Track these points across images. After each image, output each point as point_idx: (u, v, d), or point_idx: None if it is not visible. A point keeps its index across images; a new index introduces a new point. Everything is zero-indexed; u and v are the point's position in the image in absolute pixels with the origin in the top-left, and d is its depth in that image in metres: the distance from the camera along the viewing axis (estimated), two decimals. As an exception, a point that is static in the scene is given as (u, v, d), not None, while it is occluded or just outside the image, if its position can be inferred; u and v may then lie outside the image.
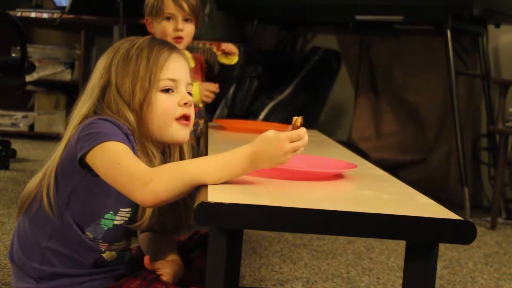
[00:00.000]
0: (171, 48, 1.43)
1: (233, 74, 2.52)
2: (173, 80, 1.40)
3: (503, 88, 3.22)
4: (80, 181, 1.34)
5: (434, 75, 3.74)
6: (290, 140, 1.21)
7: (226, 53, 2.41)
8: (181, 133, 1.40)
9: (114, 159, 1.27)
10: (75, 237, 1.36)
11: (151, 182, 1.21)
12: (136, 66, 1.38)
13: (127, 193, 1.25)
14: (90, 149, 1.28)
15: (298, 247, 2.54)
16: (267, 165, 1.22)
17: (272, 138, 1.21)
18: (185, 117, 1.40)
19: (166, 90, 1.39)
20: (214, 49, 2.45)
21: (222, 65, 2.47)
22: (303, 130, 1.24)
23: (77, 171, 1.33)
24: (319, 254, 2.47)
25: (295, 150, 1.23)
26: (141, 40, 1.42)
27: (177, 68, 1.41)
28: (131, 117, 1.37)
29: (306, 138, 1.24)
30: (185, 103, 1.40)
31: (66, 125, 1.42)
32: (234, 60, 2.45)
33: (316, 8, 3.65)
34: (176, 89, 1.41)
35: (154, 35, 2.37)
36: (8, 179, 3.26)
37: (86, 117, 1.38)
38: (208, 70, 2.49)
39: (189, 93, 1.44)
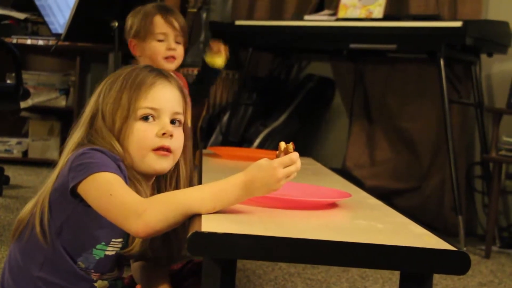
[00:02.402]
0: (158, 75, 1.41)
1: (211, 80, 2.49)
2: (153, 109, 1.37)
3: (496, 117, 3.23)
4: (72, 212, 1.33)
5: (427, 103, 3.76)
6: (283, 165, 1.22)
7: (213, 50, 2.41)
8: (158, 163, 1.38)
9: (107, 190, 1.26)
10: (67, 267, 1.35)
11: (144, 213, 1.20)
12: (119, 93, 1.38)
13: (120, 223, 1.25)
14: (82, 179, 1.28)
15: (292, 275, 2.53)
16: (261, 192, 1.22)
17: (265, 166, 1.21)
18: (164, 149, 1.37)
19: (146, 118, 1.37)
20: (211, 44, 2.46)
21: (204, 63, 2.45)
22: (295, 154, 1.24)
23: (69, 201, 1.32)
24: (313, 283, 2.45)
25: (288, 176, 1.22)
26: (130, 68, 1.41)
27: (161, 97, 1.39)
28: (117, 145, 1.36)
29: (298, 163, 1.24)
30: (163, 134, 1.37)
31: (60, 153, 1.42)
32: (218, 62, 2.43)
33: (310, 36, 3.67)
34: (158, 118, 1.38)
35: (139, 57, 2.35)
36: (0, 206, 3.24)
37: (79, 144, 1.38)
38: (191, 89, 2.49)
39: (175, 121, 1.41)
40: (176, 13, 2.33)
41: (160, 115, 1.38)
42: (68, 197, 1.31)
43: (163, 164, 1.39)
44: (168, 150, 1.38)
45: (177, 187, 1.47)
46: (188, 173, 1.48)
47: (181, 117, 1.42)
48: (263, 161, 1.22)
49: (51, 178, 1.38)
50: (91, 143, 1.37)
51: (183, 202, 1.21)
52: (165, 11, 2.30)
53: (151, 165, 1.38)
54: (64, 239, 1.34)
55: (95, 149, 1.33)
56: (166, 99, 1.39)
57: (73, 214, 1.33)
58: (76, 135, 1.40)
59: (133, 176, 1.37)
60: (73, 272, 1.35)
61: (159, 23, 2.27)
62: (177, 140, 1.40)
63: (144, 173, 1.40)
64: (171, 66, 2.28)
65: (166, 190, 1.45)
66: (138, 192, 1.33)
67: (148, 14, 2.28)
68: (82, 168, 1.29)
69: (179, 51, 2.30)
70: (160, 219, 1.20)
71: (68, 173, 1.31)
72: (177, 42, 2.30)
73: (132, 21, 2.33)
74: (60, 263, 1.35)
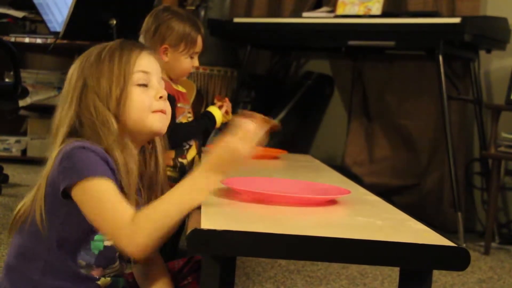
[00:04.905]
0: (141, 46, 1.45)
1: (211, 128, 2.50)
2: (145, 72, 1.41)
3: (495, 113, 3.23)
4: (67, 211, 1.32)
5: (426, 100, 3.76)
6: (240, 139, 1.24)
7: (223, 110, 2.44)
8: (159, 124, 1.41)
9: (98, 206, 1.27)
10: (68, 269, 1.34)
11: (136, 238, 1.23)
12: (110, 65, 1.39)
13: (114, 243, 1.29)
14: (73, 184, 1.28)
15: (292, 272, 2.53)
16: (234, 168, 1.26)
17: (226, 147, 1.24)
18: (162, 111, 1.42)
19: (142, 85, 1.40)
20: (215, 100, 2.48)
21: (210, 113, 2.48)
22: (247, 123, 1.26)
23: (63, 203, 1.31)
24: (312, 280, 2.45)
25: (251, 143, 1.25)
26: (111, 43, 1.44)
27: (148, 63, 1.43)
28: (111, 119, 1.36)
29: (251, 126, 1.26)
30: (161, 97, 1.42)
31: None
32: (229, 118, 2.47)
33: (309, 33, 3.67)
34: (150, 82, 1.42)
35: (167, 63, 2.38)
36: None
37: (71, 128, 1.37)
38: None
39: None
40: None
41: (151, 78, 1.42)
42: (60, 199, 1.31)
43: (164, 124, 1.43)
44: (164, 112, 1.43)
45: (156, 161, 1.48)
46: (163, 147, 1.51)
47: (164, 85, 1.47)
48: (223, 143, 1.25)
49: (46, 170, 1.36)
50: (82, 127, 1.36)
51: (169, 214, 1.23)
52: (202, 32, 2.36)
53: (153, 125, 1.40)
54: (63, 238, 1.34)
55: (85, 147, 1.31)
56: (153, 65, 1.44)
57: (68, 213, 1.32)
58: (66, 117, 1.38)
59: (126, 145, 1.38)
60: (75, 273, 1.35)
61: (200, 44, 2.34)
62: (167, 103, 1.46)
63: (143, 136, 1.42)
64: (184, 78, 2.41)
65: (149, 165, 1.46)
66: (127, 161, 1.35)
67: (191, 31, 2.32)
68: (72, 171, 1.28)
69: None
70: (152, 238, 1.23)
71: (58, 175, 1.30)
72: None
73: (171, 29, 2.32)
74: (60, 266, 1.34)
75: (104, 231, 1.29)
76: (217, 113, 2.42)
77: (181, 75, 2.37)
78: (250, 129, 1.26)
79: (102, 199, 1.27)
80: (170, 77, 2.41)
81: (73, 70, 1.43)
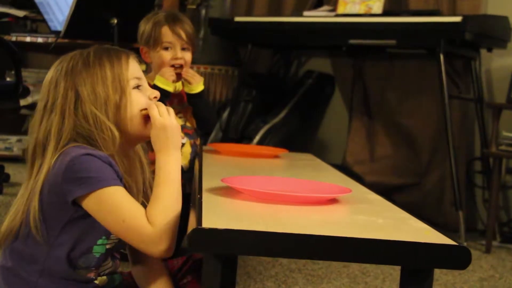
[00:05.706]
0: (125, 51, 1.45)
1: (198, 106, 2.42)
2: (138, 78, 1.42)
3: (496, 112, 3.23)
4: (70, 218, 1.32)
5: (427, 98, 3.76)
6: (162, 115, 1.35)
7: (185, 80, 2.38)
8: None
9: (118, 215, 1.28)
10: (67, 272, 1.34)
11: (162, 243, 1.27)
12: (102, 71, 1.38)
13: (139, 249, 1.31)
14: (83, 195, 1.27)
15: (293, 271, 2.53)
16: (177, 140, 1.36)
17: (157, 130, 1.35)
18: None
19: (137, 88, 1.42)
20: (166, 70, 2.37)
21: (187, 94, 2.43)
22: (151, 105, 1.38)
23: (67, 210, 1.31)
24: (314, 279, 2.46)
25: (170, 113, 1.38)
26: (92, 49, 1.42)
27: (137, 67, 1.44)
28: (110, 125, 1.35)
29: (159, 103, 1.40)
30: (155, 97, 1.45)
31: (42, 153, 1.37)
32: (194, 89, 2.40)
33: (309, 32, 3.67)
34: (142, 86, 1.44)
35: (151, 64, 2.39)
36: (1, 203, 3.23)
37: (69, 140, 1.35)
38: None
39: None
40: (183, 22, 2.37)
41: (142, 82, 1.44)
42: (66, 208, 1.30)
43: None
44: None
45: (140, 160, 1.48)
46: (142, 146, 1.53)
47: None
48: (153, 127, 1.36)
49: (39, 180, 1.33)
50: (81, 136, 1.34)
51: (173, 201, 1.31)
52: (172, 22, 2.34)
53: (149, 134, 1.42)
54: (64, 245, 1.33)
55: (89, 153, 1.30)
56: (139, 68, 1.46)
57: (72, 220, 1.32)
58: (62, 129, 1.35)
59: (126, 150, 1.40)
60: (73, 276, 1.35)
61: (166, 34, 2.32)
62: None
63: (139, 140, 1.45)
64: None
65: (135, 166, 1.46)
66: (130, 165, 1.39)
67: (157, 24, 2.33)
68: (82, 181, 1.27)
69: (186, 58, 2.34)
70: (174, 235, 1.29)
71: (64, 183, 1.28)
72: (183, 49, 2.34)
73: (143, 28, 2.36)
74: (60, 269, 1.34)
75: (126, 239, 1.30)
76: (159, 81, 2.30)
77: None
78: (160, 103, 1.38)
79: (119, 208, 1.28)
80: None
81: (55, 79, 1.39)
